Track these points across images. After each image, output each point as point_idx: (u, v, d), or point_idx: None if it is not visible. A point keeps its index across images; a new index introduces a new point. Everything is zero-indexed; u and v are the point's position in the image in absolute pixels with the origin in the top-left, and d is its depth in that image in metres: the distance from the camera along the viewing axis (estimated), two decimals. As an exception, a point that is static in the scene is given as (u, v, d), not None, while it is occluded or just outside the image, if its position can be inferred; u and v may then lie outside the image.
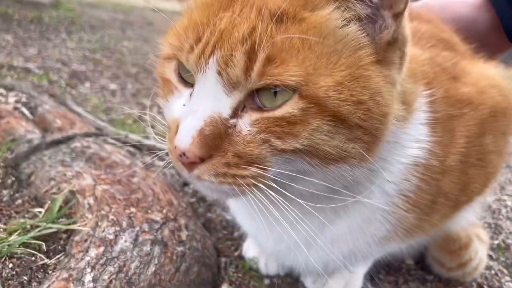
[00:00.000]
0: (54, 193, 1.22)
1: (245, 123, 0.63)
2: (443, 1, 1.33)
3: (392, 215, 0.84)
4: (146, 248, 1.00)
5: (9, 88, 2.12)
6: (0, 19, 4.40)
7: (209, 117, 0.63)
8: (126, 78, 3.19)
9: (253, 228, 0.98)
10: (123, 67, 3.49)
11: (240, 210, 1.01)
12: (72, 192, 1.20)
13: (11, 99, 2.00)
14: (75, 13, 5.83)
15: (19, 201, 1.26)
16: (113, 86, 2.95)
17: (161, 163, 1.77)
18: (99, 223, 1.06)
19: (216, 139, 0.63)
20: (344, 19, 0.64)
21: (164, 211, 1.17)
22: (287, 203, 0.68)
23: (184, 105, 0.69)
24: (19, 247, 1.01)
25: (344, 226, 0.86)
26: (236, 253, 1.31)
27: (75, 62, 3.35)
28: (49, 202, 1.19)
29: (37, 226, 1.08)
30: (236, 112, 0.64)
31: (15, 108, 1.88)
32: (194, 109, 0.65)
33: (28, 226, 1.08)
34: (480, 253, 1.21)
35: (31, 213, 1.18)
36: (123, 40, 4.70)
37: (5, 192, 1.31)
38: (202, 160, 0.63)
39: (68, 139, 1.55)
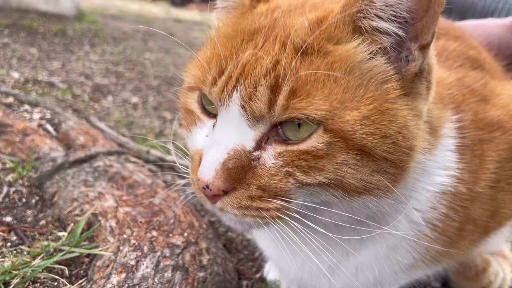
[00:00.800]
0: (77, 215, 1.23)
1: (269, 156, 0.63)
2: (476, 21, 1.30)
3: (419, 243, 0.82)
4: (168, 274, 0.99)
5: (34, 104, 2.16)
6: (25, 33, 4.51)
7: (232, 149, 0.62)
8: (148, 91, 3.22)
9: (275, 254, 0.97)
10: (145, 80, 3.53)
11: (261, 234, 0.99)
12: (94, 214, 1.20)
13: (36, 116, 2.04)
14: (98, 25, 5.93)
15: (43, 221, 1.27)
16: (135, 99, 2.98)
17: (182, 181, 1.77)
18: (121, 248, 1.06)
19: (239, 172, 0.62)
20: (370, 52, 0.63)
21: (185, 234, 1.16)
22: (311, 233, 0.67)
23: (207, 136, 0.69)
24: (42, 271, 1.01)
25: (369, 254, 0.84)
26: (257, 275, 1.29)
27: (98, 76, 3.40)
28: (72, 224, 1.19)
29: (60, 250, 1.08)
30: (260, 145, 0.64)
31: (40, 125, 1.91)
32: (217, 141, 0.64)
33: (51, 250, 1.09)
34: (501, 273, 1.17)
35: (54, 235, 1.19)
36: (145, 51, 4.75)
37: (29, 212, 1.33)
38: (226, 192, 0.63)
39: (91, 157, 1.56)
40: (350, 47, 0.63)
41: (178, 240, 1.12)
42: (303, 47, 0.61)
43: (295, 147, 0.61)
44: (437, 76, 0.84)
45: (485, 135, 0.83)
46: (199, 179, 0.63)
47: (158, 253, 1.05)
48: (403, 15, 0.61)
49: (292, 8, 0.71)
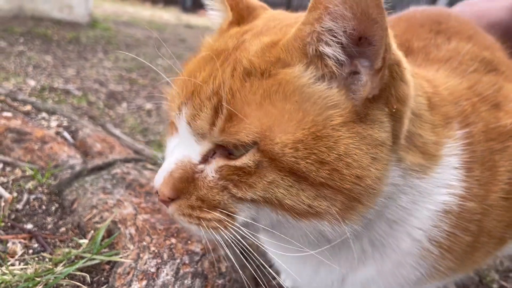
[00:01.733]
0: (97, 222, 1.24)
1: (211, 169, 0.66)
2: (477, 10, 1.28)
3: (425, 260, 0.79)
4: (187, 281, 1.00)
5: (51, 112, 2.19)
6: (40, 41, 4.58)
7: (180, 161, 0.67)
8: (162, 97, 3.25)
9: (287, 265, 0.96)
10: (158, 86, 3.56)
11: (271, 246, 0.99)
12: (114, 222, 1.22)
13: (53, 123, 2.07)
14: (111, 32, 6.00)
15: (63, 229, 1.29)
16: (149, 106, 3.01)
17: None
18: (141, 255, 1.08)
19: (184, 182, 0.66)
20: (315, 77, 0.63)
21: (204, 241, 1.17)
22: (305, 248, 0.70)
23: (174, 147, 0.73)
24: (64, 278, 1.03)
25: (373, 270, 0.82)
26: (274, 281, 1.30)
27: (112, 82, 3.44)
28: (92, 231, 1.21)
29: (81, 257, 1.10)
30: (206, 159, 0.67)
31: (57, 133, 1.94)
32: (172, 152, 0.70)
33: (73, 257, 1.11)
34: None
35: (75, 242, 1.21)
36: (157, 58, 4.80)
37: (49, 219, 1.35)
38: (172, 200, 0.68)
39: (109, 165, 1.58)
40: (294, 71, 0.63)
41: (196, 247, 1.13)
42: (248, 69, 0.63)
43: (232, 163, 0.64)
44: (446, 86, 0.84)
45: (496, 145, 0.81)
46: (153, 186, 0.69)
47: (178, 260, 1.06)
48: (349, 42, 0.61)
49: (264, 30, 0.71)
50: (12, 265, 1.10)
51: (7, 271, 1.03)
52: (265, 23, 0.74)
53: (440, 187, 0.75)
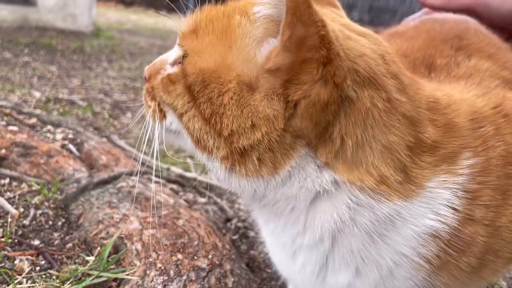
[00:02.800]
0: (103, 238, 1.25)
1: (167, 71, 0.77)
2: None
3: (417, 272, 0.77)
4: (194, 298, 1.00)
5: (56, 125, 2.20)
6: (44, 51, 4.61)
7: (162, 57, 0.81)
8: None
9: (287, 270, 0.96)
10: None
11: (273, 249, 0.98)
12: (120, 237, 1.22)
13: (58, 136, 2.08)
14: (114, 41, 6.03)
15: (70, 244, 1.30)
16: (153, 115, 3.01)
17: (203, 200, 1.79)
18: (148, 272, 1.08)
19: (155, 71, 0.80)
20: (247, 33, 0.70)
21: (210, 256, 1.17)
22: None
23: None
24: (71, 296, 1.03)
25: (366, 279, 0.81)
26: (281, 294, 1.30)
27: (117, 92, 3.45)
28: (99, 247, 1.21)
29: (88, 274, 1.10)
30: (174, 63, 0.77)
31: (63, 146, 1.95)
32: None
33: (80, 274, 1.11)
34: None
35: (81, 258, 1.21)
36: (161, 66, 4.81)
37: (56, 235, 1.35)
38: (147, 81, 0.82)
39: (114, 178, 1.59)
40: (239, 19, 0.71)
41: (203, 263, 1.13)
42: (226, 11, 0.74)
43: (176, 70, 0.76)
44: (472, 110, 0.82)
45: None
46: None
47: (184, 277, 1.06)
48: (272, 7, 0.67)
49: None
50: (20, 283, 1.10)
51: (14, 290, 1.04)
52: None
53: (425, 214, 0.73)
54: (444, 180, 0.74)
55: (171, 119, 0.78)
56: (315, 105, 0.65)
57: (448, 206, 0.74)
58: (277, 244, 0.87)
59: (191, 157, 1.09)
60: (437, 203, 0.74)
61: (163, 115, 0.79)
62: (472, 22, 1.21)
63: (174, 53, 0.79)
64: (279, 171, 0.70)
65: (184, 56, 0.74)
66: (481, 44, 1.07)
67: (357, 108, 0.67)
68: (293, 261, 0.85)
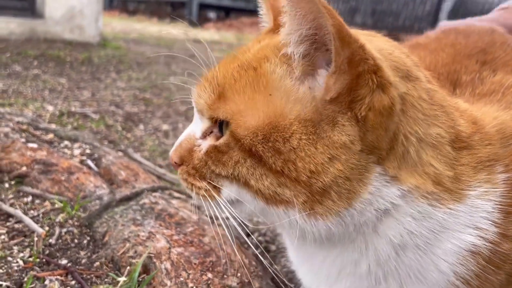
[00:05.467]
0: (131, 257, 1.26)
1: (205, 145, 0.76)
2: (501, 22, 1.27)
3: None
4: (228, 318, 1.01)
5: (73, 140, 2.22)
6: (53, 63, 4.64)
7: (188, 134, 0.80)
8: (177, 117, 3.28)
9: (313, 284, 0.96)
10: (173, 105, 3.59)
11: (299, 264, 0.99)
12: (148, 256, 1.23)
13: (76, 151, 2.10)
14: (121, 51, 6.06)
15: (97, 263, 1.31)
16: (165, 126, 3.03)
17: (223, 215, 1.79)
18: (180, 292, 1.09)
19: (186, 152, 0.79)
20: (284, 74, 0.70)
21: (239, 274, 1.18)
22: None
23: None
24: (105, 318, 1.04)
25: None
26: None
27: (127, 103, 3.47)
28: (128, 267, 1.22)
29: (120, 295, 1.11)
30: (205, 135, 0.78)
31: (81, 161, 1.96)
32: (186, 129, 0.83)
33: (111, 295, 1.12)
34: None
35: (111, 277, 1.22)
36: (169, 76, 4.84)
37: (82, 253, 1.36)
38: (178, 165, 0.80)
39: (136, 194, 1.60)
40: (270, 66, 0.71)
41: (233, 282, 1.14)
42: (242, 64, 0.74)
43: (213, 143, 0.75)
44: (496, 122, 0.82)
45: None
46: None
47: (216, 296, 1.07)
48: (308, 45, 0.68)
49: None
50: (52, 304, 1.11)
51: (48, 312, 1.05)
52: None
53: (467, 226, 0.74)
54: (485, 191, 0.75)
55: (228, 190, 0.75)
56: (382, 113, 0.67)
57: (489, 219, 0.75)
58: (319, 275, 0.85)
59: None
60: (478, 216, 0.74)
61: (218, 191, 0.76)
62: (498, 33, 1.21)
63: (198, 126, 0.78)
64: (358, 200, 0.69)
65: (226, 123, 0.72)
66: (507, 58, 1.08)
67: (409, 103, 0.71)
68: None
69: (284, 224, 0.73)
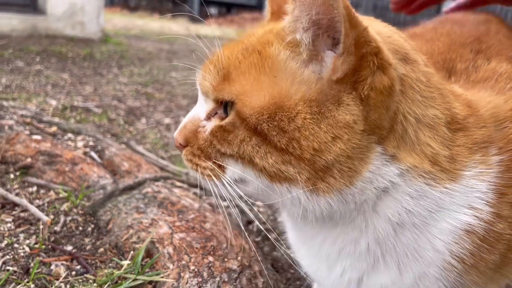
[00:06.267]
0: (135, 242, 1.29)
1: (209, 126, 0.78)
2: None
3: (448, 273, 0.80)
4: (229, 299, 1.04)
5: (76, 132, 2.25)
6: (55, 59, 4.67)
7: (192, 116, 0.82)
8: (179, 111, 3.31)
9: (314, 270, 0.98)
10: (174, 100, 3.62)
11: (299, 246, 1.01)
12: (151, 241, 1.26)
13: (80, 143, 2.13)
14: (123, 46, 6.09)
15: (101, 249, 1.34)
16: (167, 120, 3.07)
17: (225, 203, 1.83)
18: (182, 274, 1.12)
19: (191, 133, 0.80)
20: (289, 56, 0.72)
21: (239, 258, 1.21)
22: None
23: None
24: (110, 299, 1.07)
25: (387, 278, 0.82)
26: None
27: (130, 98, 3.50)
28: (132, 252, 1.26)
29: (125, 278, 1.15)
30: (210, 117, 0.79)
31: (85, 153, 2.00)
32: (190, 111, 0.84)
33: (116, 278, 1.15)
34: None
35: (115, 262, 1.26)
36: (171, 71, 4.86)
37: (87, 240, 1.40)
38: (183, 146, 0.81)
39: (139, 184, 1.63)
40: (275, 49, 0.73)
41: (233, 265, 1.17)
42: (246, 47, 0.76)
43: (219, 123, 0.76)
44: (490, 106, 0.85)
45: None
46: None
47: (217, 279, 1.10)
48: (316, 28, 0.69)
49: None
50: (58, 287, 1.14)
51: (55, 294, 1.08)
52: None
53: (462, 206, 0.76)
54: (480, 172, 0.77)
55: (233, 168, 0.76)
56: (382, 92, 0.70)
57: (484, 199, 0.77)
58: (319, 255, 0.87)
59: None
60: (473, 196, 0.77)
61: (223, 170, 0.77)
62: (493, 22, 1.23)
63: (203, 108, 0.80)
64: (359, 178, 0.71)
65: (231, 103, 0.74)
66: (501, 47, 1.10)
67: (407, 84, 0.73)
68: (331, 270, 0.86)
69: (286, 202, 0.75)
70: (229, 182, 0.77)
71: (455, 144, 0.77)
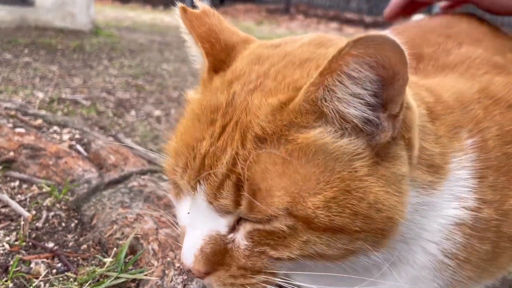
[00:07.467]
0: (118, 238, 1.24)
1: (242, 237, 0.64)
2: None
3: (441, 273, 0.78)
4: (215, 297, 1.00)
5: (62, 125, 2.19)
6: (44, 51, 4.59)
7: (207, 236, 0.65)
8: (169, 103, 3.25)
9: None
10: (165, 92, 3.56)
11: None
12: (135, 237, 1.21)
13: (65, 136, 2.07)
14: (114, 38, 6.00)
15: (84, 246, 1.29)
16: (157, 112, 3.01)
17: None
18: (166, 272, 1.07)
19: (217, 255, 0.66)
20: (336, 134, 0.62)
21: None
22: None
23: (188, 213, 0.71)
24: (91, 299, 1.03)
25: (388, 285, 0.80)
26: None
27: (119, 90, 3.44)
28: (115, 248, 1.21)
29: (106, 276, 1.10)
30: (234, 227, 0.65)
31: (70, 146, 1.94)
32: (193, 225, 0.68)
33: (98, 276, 1.10)
34: None
35: (97, 260, 1.21)
36: (162, 63, 4.79)
37: (70, 236, 1.35)
38: (208, 274, 0.67)
39: (125, 178, 1.58)
40: (314, 133, 0.61)
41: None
42: (262, 137, 0.61)
43: (262, 227, 0.62)
44: (452, 91, 0.81)
45: None
46: (182, 263, 0.68)
47: (204, 276, 1.06)
48: (370, 98, 0.60)
49: (253, 78, 0.68)
50: (38, 286, 1.09)
51: (33, 294, 1.03)
52: (252, 68, 0.70)
53: (450, 201, 0.74)
54: (460, 159, 0.74)
55: (287, 267, 0.67)
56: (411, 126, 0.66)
57: (467, 187, 0.74)
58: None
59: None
60: (458, 186, 0.74)
61: (274, 275, 0.67)
62: (466, 16, 1.19)
63: (216, 222, 0.66)
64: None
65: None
66: (472, 31, 1.05)
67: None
68: None
69: (334, 271, 0.69)
70: (283, 280, 0.68)
71: (439, 136, 0.74)
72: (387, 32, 0.53)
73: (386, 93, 0.59)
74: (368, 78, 0.57)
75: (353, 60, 0.55)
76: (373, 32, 0.53)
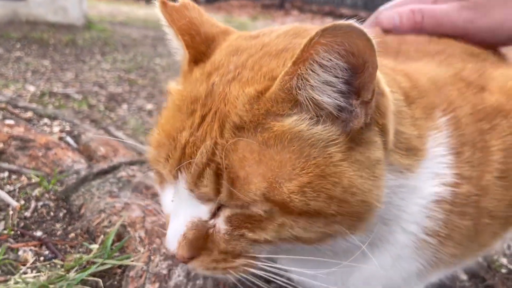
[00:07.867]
0: (106, 226, 1.25)
1: (222, 221, 0.67)
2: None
3: (423, 251, 0.80)
4: (199, 282, 1.01)
5: (53, 118, 2.20)
6: (37, 45, 4.58)
7: (190, 222, 0.67)
8: (162, 97, 3.25)
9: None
10: (157, 86, 3.56)
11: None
12: (123, 225, 1.23)
13: (56, 129, 2.08)
14: (107, 33, 5.99)
15: (72, 234, 1.30)
16: (149, 106, 3.01)
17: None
18: (152, 257, 1.09)
19: (199, 240, 0.68)
20: (309, 122, 0.63)
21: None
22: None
23: (172, 201, 0.73)
24: (77, 284, 1.04)
25: (372, 265, 0.81)
26: None
27: (112, 84, 3.44)
28: (102, 236, 1.22)
29: (93, 262, 1.11)
30: (215, 213, 0.67)
31: (60, 138, 1.95)
32: (177, 212, 0.70)
33: (84, 262, 1.11)
34: None
35: (85, 247, 1.22)
36: (155, 57, 4.79)
37: (58, 225, 1.36)
38: (191, 258, 0.69)
39: (114, 168, 1.59)
40: (289, 121, 0.62)
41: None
42: (239, 126, 0.63)
43: (240, 211, 0.64)
44: (429, 76, 0.83)
45: (485, 125, 0.80)
46: (166, 248, 0.71)
47: (189, 261, 1.07)
48: (341, 85, 0.61)
49: (231, 69, 0.69)
50: (25, 273, 1.10)
51: (20, 280, 1.04)
52: (230, 59, 0.71)
53: (429, 179, 0.76)
54: (436, 137, 0.76)
55: (267, 250, 0.69)
56: (386, 112, 0.68)
57: (445, 163, 0.76)
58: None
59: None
60: (435, 163, 0.76)
61: (254, 258, 0.70)
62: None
63: (198, 209, 0.67)
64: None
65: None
66: (420, 46, 1.03)
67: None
68: None
69: (313, 253, 0.71)
70: (264, 264, 0.71)
71: (415, 118, 0.76)
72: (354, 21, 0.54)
73: (357, 81, 0.60)
74: (339, 66, 0.59)
75: (322, 48, 0.56)
76: (341, 21, 0.54)
